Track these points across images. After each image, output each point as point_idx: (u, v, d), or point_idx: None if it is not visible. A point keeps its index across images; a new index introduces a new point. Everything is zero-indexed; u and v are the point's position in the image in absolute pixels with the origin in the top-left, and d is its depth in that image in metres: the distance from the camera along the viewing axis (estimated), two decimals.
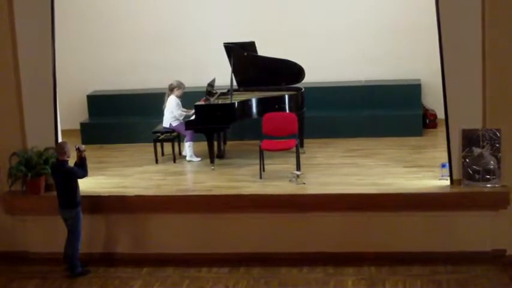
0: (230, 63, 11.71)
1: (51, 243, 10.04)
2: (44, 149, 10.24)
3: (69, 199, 9.49)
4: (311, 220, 9.75)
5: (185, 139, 11.70)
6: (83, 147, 9.69)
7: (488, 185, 9.56)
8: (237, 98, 11.61)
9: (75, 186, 9.53)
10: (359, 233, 9.71)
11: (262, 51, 11.90)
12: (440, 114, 11.37)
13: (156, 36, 13.75)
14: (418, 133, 12.44)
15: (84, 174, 9.61)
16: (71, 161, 9.70)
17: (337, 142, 12.29)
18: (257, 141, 10.95)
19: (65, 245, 9.65)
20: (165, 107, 11.80)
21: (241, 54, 11.72)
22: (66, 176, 9.50)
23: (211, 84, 11.81)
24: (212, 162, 11.24)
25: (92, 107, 13.66)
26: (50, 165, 9.98)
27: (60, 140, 10.41)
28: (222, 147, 12.03)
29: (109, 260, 10.07)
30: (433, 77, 11.74)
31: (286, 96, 11.62)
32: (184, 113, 11.74)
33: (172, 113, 11.70)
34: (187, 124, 11.39)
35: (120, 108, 13.54)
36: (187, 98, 11.94)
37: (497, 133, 9.53)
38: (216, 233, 9.95)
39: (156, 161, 11.65)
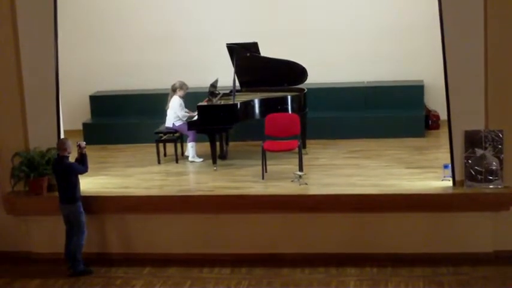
0: (233, 64, 11.71)
1: (54, 244, 10.05)
2: (47, 150, 10.25)
3: (69, 194, 9.57)
4: (313, 221, 9.75)
5: (188, 139, 11.71)
6: (83, 143, 9.79)
7: (491, 186, 9.55)
8: (239, 99, 11.61)
9: (75, 182, 9.62)
10: (361, 233, 9.71)
11: (264, 51, 11.89)
12: (443, 115, 11.36)
13: (159, 36, 13.76)
14: (420, 134, 12.44)
15: (84, 170, 9.70)
16: (73, 159, 9.77)
17: (339, 143, 12.30)
18: (259, 142, 10.94)
19: (66, 243, 9.68)
20: (168, 107, 11.82)
21: (243, 54, 11.71)
22: (66, 171, 9.59)
23: (213, 85, 11.81)
24: (214, 162, 11.24)
25: (95, 108, 13.67)
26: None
27: None
28: (224, 148, 12.03)
29: (111, 260, 10.08)
30: (436, 78, 11.73)
31: (289, 97, 11.62)
32: (188, 114, 11.74)
33: (176, 113, 11.71)
34: (190, 125, 11.40)
35: (123, 108, 13.55)
36: (190, 99, 11.95)
37: (500, 134, 9.53)
38: (218, 233, 9.96)
39: (159, 162, 11.66)
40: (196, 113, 11.45)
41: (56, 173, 9.76)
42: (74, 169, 9.63)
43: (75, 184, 9.63)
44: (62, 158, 9.63)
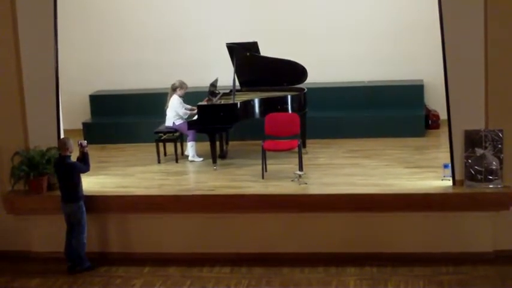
0: (233, 64, 11.72)
1: (53, 243, 10.05)
2: (47, 149, 10.25)
3: (71, 193, 9.60)
4: (313, 220, 9.75)
5: (187, 139, 11.71)
6: (85, 142, 9.80)
7: (491, 186, 9.55)
8: (239, 98, 11.62)
9: (77, 181, 9.65)
10: (361, 233, 9.71)
11: (264, 51, 11.90)
12: (443, 115, 11.38)
13: (159, 36, 13.77)
14: (420, 134, 12.44)
15: (86, 169, 9.72)
16: (74, 157, 9.78)
17: (339, 142, 12.30)
18: (259, 142, 10.94)
19: (66, 243, 9.69)
20: (167, 107, 11.83)
21: (243, 54, 11.72)
22: (68, 171, 9.62)
23: (213, 85, 11.81)
24: (214, 162, 11.24)
25: (95, 107, 13.69)
26: (52, 163, 10.03)
27: None
28: (224, 148, 12.04)
29: (110, 259, 10.08)
30: (436, 78, 11.73)
31: (289, 97, 11.63)
32: (189, 112, 11.76)
33: (175, 111, 11.72)
34: (190, 124, 11.41)
35: (123, 108, 13.57)
36: (190, 98, 11.96)
37: (500, 134, 9.53)
38: (218, 232, 9.96)
39: (159, 161, 11.67)
40: (196, 109, 11.46)
41: (57, 172, 9.77)
42: (76, 168, 9.64)
43: (78, 183, 9.65)
44: (63, 158, 9.65)
